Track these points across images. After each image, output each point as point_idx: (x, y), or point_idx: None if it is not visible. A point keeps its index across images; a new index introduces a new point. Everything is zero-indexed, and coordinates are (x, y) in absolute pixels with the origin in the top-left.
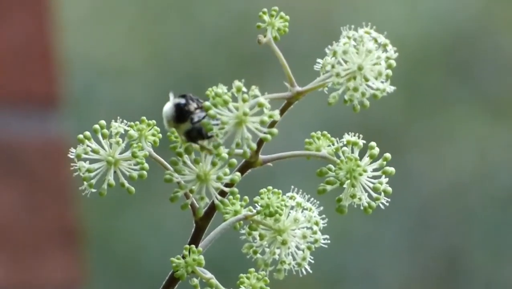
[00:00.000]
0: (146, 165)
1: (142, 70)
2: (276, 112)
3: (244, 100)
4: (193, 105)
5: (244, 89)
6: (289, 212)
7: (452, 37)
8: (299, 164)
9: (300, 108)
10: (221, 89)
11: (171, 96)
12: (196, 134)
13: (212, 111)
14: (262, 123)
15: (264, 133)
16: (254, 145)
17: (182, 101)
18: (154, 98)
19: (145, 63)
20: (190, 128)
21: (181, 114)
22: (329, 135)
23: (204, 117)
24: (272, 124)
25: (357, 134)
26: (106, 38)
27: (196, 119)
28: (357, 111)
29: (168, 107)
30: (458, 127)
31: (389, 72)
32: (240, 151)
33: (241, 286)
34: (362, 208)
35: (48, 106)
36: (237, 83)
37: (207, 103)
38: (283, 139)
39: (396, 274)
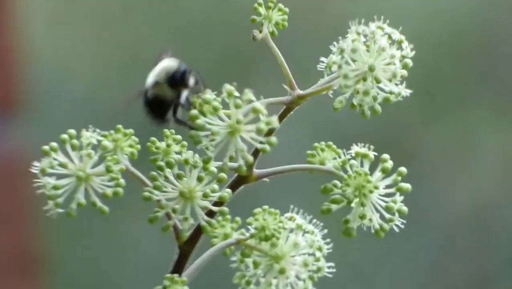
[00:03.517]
0: (122, 181)
1: (113, 73)
2: (275, 119)
3: (236, 106)
4: (192, 83)
5: (236, 93)
6: (288, 236)
7: (476, 35)
8: (300, 179)
9: (297, 112)
10: (210, 95)
11: (169, 55)
12: (165, 108)
13: (200, 121)
14: (259, 131)
15: (262, 143)
16: (251, 158)
17: (191, 71)
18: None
19: (114, 66)
20: (171, 98)
21: (179, 79)
22: (334, 146)
23: (188, 102)
24: (270, 133)
25: (367, 145)
26: (73, 39)
27: (183, 99)
28: (367, 118)
29: (173, 63)
30: (481, 137)
31: (404, 72)
32: (234, 165)
33: None
34: (373, 230)
35: (4, 112)
36: (227, 86)
37: (193, 112)
38: (280, 148)
39: None
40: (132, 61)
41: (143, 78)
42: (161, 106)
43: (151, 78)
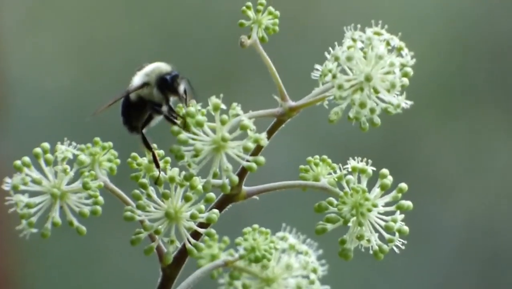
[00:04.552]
0: (100, 199)
1: (89, 81)
2: (263, 136)
3: (223, 122)
4: (181, 90)
5: (222, 106)
6: (280, 257)
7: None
8: (293, 195)
9: (289, 122)
10: (194, 107)
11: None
12: (144, 113)
13: (183, 135)
14: (245, 150)
15: (248, 161)
16: (236, 178)
17: (183, 79)
18: (103, 117)
19: (90, 73)
20: (155, 103)
21: (170, 82)
22: (329, 160)
23: (172, 115)
24: (258, 148)
25: (364, 159)
26: (47, 47)
27: (168, 106)
28: (365, 130)
29: (165, 66)
30: (492, 142)
31: (405, 81)
32: (218, 182)
33: None
34: (371, 252)
35: None
36: (214, 99)
37: (175, 128)
38: (271, 163)
39: None
40: (108, 73)
41: (118, 87)
42: (142, 110)
43: (138, 79)
